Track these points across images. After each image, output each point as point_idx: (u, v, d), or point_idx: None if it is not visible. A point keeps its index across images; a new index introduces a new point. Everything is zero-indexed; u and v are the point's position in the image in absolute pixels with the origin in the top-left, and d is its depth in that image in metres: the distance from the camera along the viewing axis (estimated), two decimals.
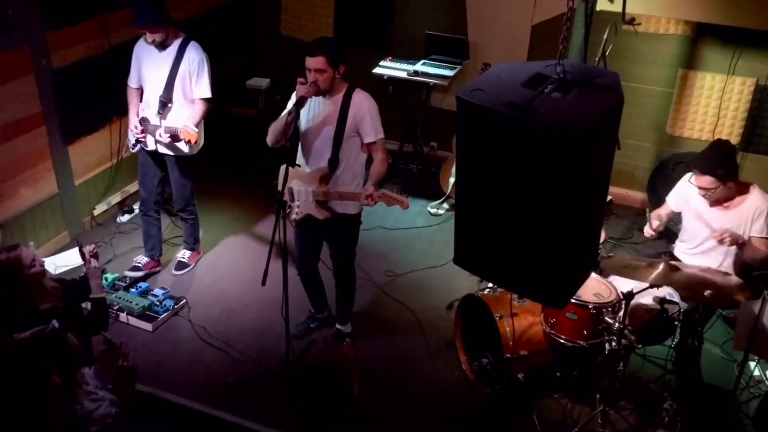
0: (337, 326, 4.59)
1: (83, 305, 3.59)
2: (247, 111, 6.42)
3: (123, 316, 4.61)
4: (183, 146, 4.65)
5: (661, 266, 3.64)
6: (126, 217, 5.73)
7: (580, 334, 3.81)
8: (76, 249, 4.95)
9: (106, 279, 4.83)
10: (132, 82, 4.74)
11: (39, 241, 5.09)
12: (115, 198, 5.80)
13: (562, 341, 3.84)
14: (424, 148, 6.50)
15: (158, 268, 5.14)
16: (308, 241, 4.31)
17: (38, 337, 2.92)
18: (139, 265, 5.09)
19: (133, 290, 4.80)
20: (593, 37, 4.49)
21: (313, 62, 3.76)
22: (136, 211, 5.75)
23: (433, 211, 6.00)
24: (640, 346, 3.93)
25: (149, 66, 4.60)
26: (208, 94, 4.64)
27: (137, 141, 4.74)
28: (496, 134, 2.11)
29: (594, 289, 3.87)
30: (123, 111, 5.56)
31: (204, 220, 5.72)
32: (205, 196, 6.03)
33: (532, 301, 3.96)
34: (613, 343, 3.73)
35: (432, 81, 5.98)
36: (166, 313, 4.67)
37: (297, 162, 4.10)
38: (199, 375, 4.29)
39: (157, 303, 4.71)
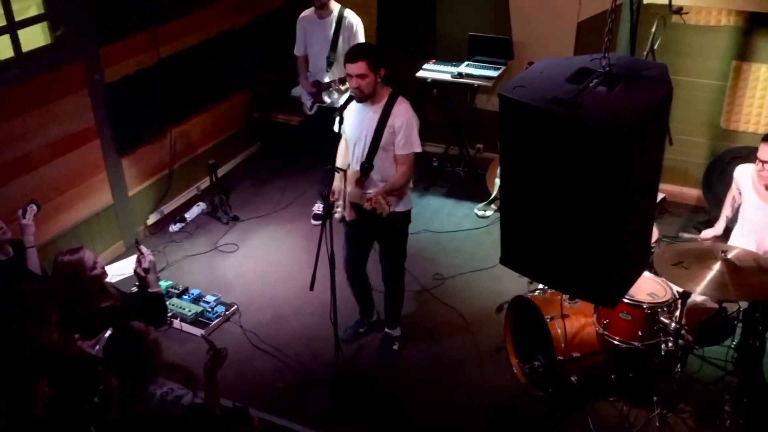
0: (386, 330, 4.58)
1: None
2: (292, 118, 6.50)
3: (176, 323, 4.71)
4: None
5: (717, 265, 3.51)
6: (178, 226, 5.85)
7: (635, 335, 3.72)
8: (131, 258, 5.11)
9: (160, 285, 4.93)
10: (299, 51, 5.45)
11: (95, 251, 5.23)
12: (168, 208, 5.93)
13: (616, 342, 3.76)
14: (469, 150, 6.45)
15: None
16: (357, 242, 4.32)
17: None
18: (319, 212, 5.59)
19: (186, 297, 4.90)
20: (641, 31, 4.40)
21: (354, 68, 3.79)
22: (188, 220, 5.90)
23: (480, 213, 5.94)
24: (698, 347, 3.81)
25: (314, 34, 5.29)
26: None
27: (314, 102, 5.44)
28: (540, 131, 2.08)
29: (648, 288, 3.77)
30: (174, 121, 5.73)
31: (251, 227, 5.82)
32: (252, 203, 6.14)
33: (583, 301, 3.89)
34: (670, 344, 3.63)
35: (476, 82, 5.94)
36: (217, 319, 4.75)
37: (341, 165, 4.13)
38: (249, 380, 4.34)
39: (209, 309, 4.79)
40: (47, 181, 4.78)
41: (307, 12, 5.37)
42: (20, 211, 3.97)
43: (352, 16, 5.25)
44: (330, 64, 5.28)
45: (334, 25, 5.22)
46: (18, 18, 4.48)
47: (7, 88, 4.35)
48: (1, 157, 4.43)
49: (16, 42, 4.48)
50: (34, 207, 4.00)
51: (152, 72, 5.41)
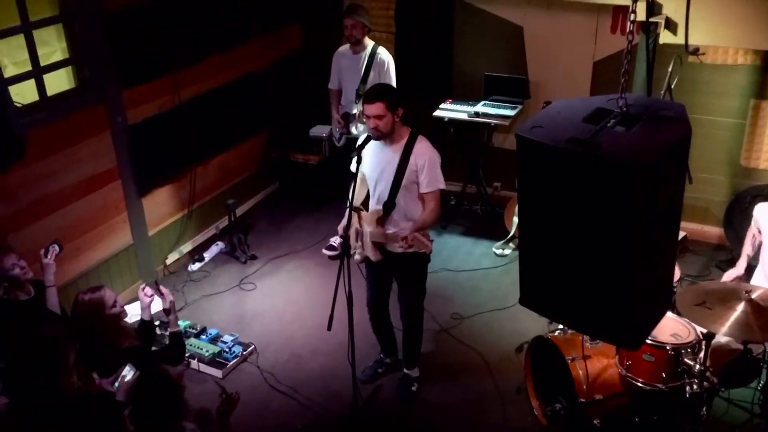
0: (405, 370, 4.54)
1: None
2: (310, 158, 6.56)
3: (194, 363, 4.69)
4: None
5: (741, 306, 3.45)
6: (197, 266, 5.88)
7: (659, 377, 3.64)
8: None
9: (179, 324, 4.94)
10: (333, 85, 5.75)
11: (114, 291, 5.25)
12: (187, 247, 5.97)
13: (639, 384, 3.68)
14: (487, 188, 6.46)
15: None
16: (379, 281, 4.32)
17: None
18: (335, 244, 5.82)
19: (204, 337, 4.89)
20: (657, 71, 4.42)
21: (372, 109, 3.83)
22: (207, 259, 5.93)
23: (498, 251, 5.91)
24: (723, 389, 3.73)
25: (347, 69, 5.57)
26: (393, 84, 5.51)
27: (341, 135, 5.75)
28: (558, 171, 2.07)
29: (671, 329, 3.71)
30: (193, 162, 5.80)
31: (269, 266, 5.83)
32: (270, 242, 6.16)
33: (605, 342, 3.83)
34: (695, 386, 3.55)
35: (493, 121, 5.97)
36: (235, 360, 4.73)
37: (359, 204, 4.15)
38: (268, 421, 4.30)
39: (227, 350, 4.78)
40: (70, 221, 4.83)
41: (343, 48, 5.67)
42: (42, 251, 4.04)
43: (384, 54, 5.51)
44: (359, 97, 5.50)
45: (366, 60, 5.49)
46: (43, 63, 4.59)
47: (32, 130, 4.44)
48: (25, 197, 4.50)
49: (41, 86, 4.58)
50: (56, 247, 4.06)
51: (173, 114, 5.50)
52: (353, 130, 5.68)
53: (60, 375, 2.94)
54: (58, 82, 4.81)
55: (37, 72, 4.55)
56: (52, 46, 4.76)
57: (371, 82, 5.38)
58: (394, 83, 5.49)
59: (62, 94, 4.79)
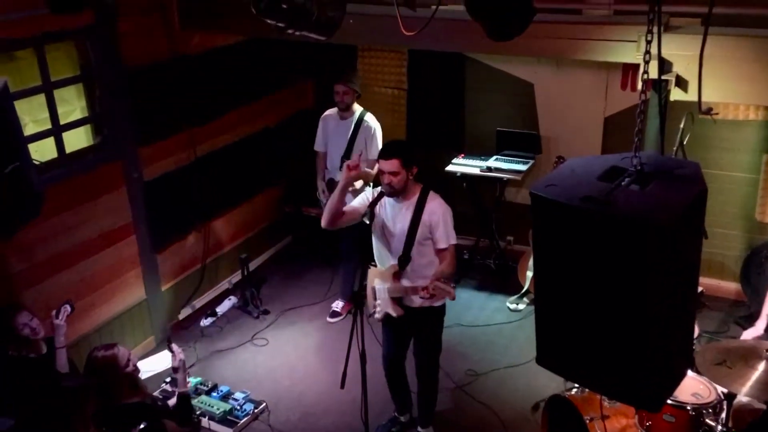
0: (420, 429, 4.45)
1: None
2: (323, 213, 6.55)
3: (205, 421, 4.62)
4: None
5: (762, 365, 3.38)
6: (209, 321, 5.85)
7: None
8: (161, 354, 5.10)
9: (189, 382, 4.89)
10: (319, 147, 5.64)
11: (127, 347, 5.22)
12: (199, 302, 5.95)
13: None
14: (500, 242, 6.44)
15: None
16: (397, 336, 4.29)
17: None
18: (338, 309, 5.76)
19: (215, 394, 4.83)
20: (669, 127, 4.44)
21: (387, 165, 3.86)
22: (219, 314, 5.90)
23: (512, 306, 5.86)
24: None
25: (335, 133, 5.49)
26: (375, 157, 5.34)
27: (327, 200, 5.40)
28: (574, 229, 2.06)
29: (692, 388, 3.63)
30: (207, 216, 5.84)
31: (282, 321, 5.79)
32: (283, 296, 6.14)
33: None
34: None
35: (505, 176, 5.99)
36: (246, 418, 4.66)
37: (374, 262, 4.15)
38: None
39: (238, 407, 4.71)
40: (84, 277, 4.85)
41: (331, 111, 5.61)
42: (54, 312, 4.04)
43: (371, 120, 5.45)
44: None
45: (353, 126, 5.43)
46: (63, 121, 4.68)
47: (50, 186, 4.50)
48: (41, 253, 4.53)
49: (60, 143, 4.66)
50: (68, 308, 4.06)
51: (189, 170, 5.57)
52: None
53: (79, 429, 2.90)
54: (76, 139, 4.89)
55: (57, 130, 4.64)
56: (72, 104, 4.87)
57: (357, 149, 5.33)
58: (379, 148, 5.30)
59: (80, 151, 4.87)
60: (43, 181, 4.46)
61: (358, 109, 5.49)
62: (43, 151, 4.62)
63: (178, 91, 5.35)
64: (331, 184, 5.52)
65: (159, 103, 5.23)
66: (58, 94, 4.63)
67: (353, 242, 5.51)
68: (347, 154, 5.38)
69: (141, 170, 5.18)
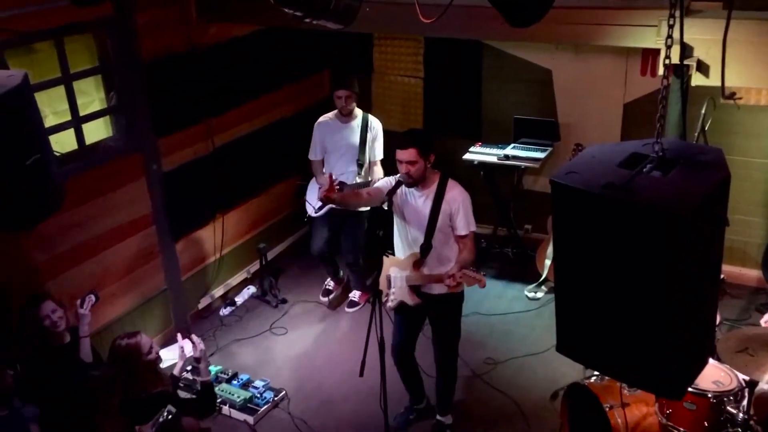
0: (438, 417, 4.47)
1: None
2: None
3: (225, 409, 4.67)
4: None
5: None
6: (228, 310, 5.90)
7: (701, 426, 3.53)
8: (174, 346, 5.14)
9: (210, 371, 4.94)
10: (315, 156, 5.52)
11: (147, 336, 5.28)
12: (218, 291, 6.00)
13: None
14: (518, 231, 6.41)
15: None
16: (410, 326, 4.29)
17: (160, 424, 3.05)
18: (355, 299, 5.80)
19: (235, 383, 4.88)
20: (690, 112, 4.38)
21: (404, 155, 3.86)
22: (238, 303, 5.95)
23: (530, 294, 5.84)
24: None
25: (337, 138, 5.38)
26: (381, 156, 5.44)
27: (324, 205, 5.34)
28: (595, 217, 2.05)
29: (713, 376, 3.60)
30: (225, 207, 5.87)
31: (300, 310, 5.82)
32: (301, 285, 6.17)
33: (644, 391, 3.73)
34: None
35: (523, 164, 5.96)
36: (266, 406, 4.70)
37: (391, 251, 4.15)
38: None
39: (258, 395, 4.75)
40: (105, 267, 4.90)
41: (326, 117, 5.48)
42: (78, 301, 4.08)
43: (375, 121, 5.45)
44: (360, 167, 5.40)
45: (359, 129, 5.37)
46: (82, 113, 4.72)
47: (70, 177, 4.55)
48: (63, 244, 4.58)
49: (80, 135, 4.70)
50: (93, 297, 4.11)
51: (207, 160, 5.60)
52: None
53: (105, 420, 2.95)
54: (96, 131, 4.93)
55: (77, 121, 4.68)
56: (91, 96, 4.90)
57: (368, 151, 5.37)
58: (382, 148, 5.42)
59: (100, 143, 4.91)
60: (64, 173, 4.51)
61: (359, 111, 5.44)
62: (62, 143, 4.66)
63: (195, 82, 5.37)
64: (342, 187, 5.35)
65: (177, 94, 5.25)
66: (77, 85, 4.66)
67: (353, 242, 5.55)
68: (361, 158, 5.38)
69: (160, 161, 5.21)
